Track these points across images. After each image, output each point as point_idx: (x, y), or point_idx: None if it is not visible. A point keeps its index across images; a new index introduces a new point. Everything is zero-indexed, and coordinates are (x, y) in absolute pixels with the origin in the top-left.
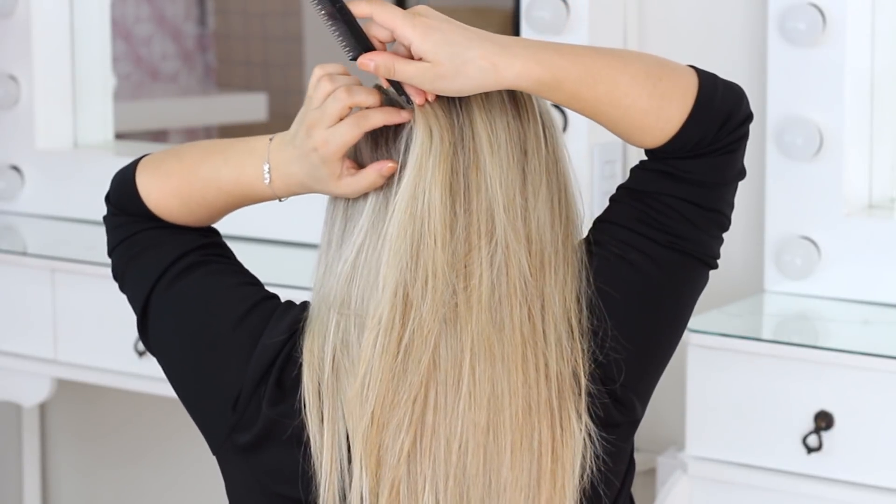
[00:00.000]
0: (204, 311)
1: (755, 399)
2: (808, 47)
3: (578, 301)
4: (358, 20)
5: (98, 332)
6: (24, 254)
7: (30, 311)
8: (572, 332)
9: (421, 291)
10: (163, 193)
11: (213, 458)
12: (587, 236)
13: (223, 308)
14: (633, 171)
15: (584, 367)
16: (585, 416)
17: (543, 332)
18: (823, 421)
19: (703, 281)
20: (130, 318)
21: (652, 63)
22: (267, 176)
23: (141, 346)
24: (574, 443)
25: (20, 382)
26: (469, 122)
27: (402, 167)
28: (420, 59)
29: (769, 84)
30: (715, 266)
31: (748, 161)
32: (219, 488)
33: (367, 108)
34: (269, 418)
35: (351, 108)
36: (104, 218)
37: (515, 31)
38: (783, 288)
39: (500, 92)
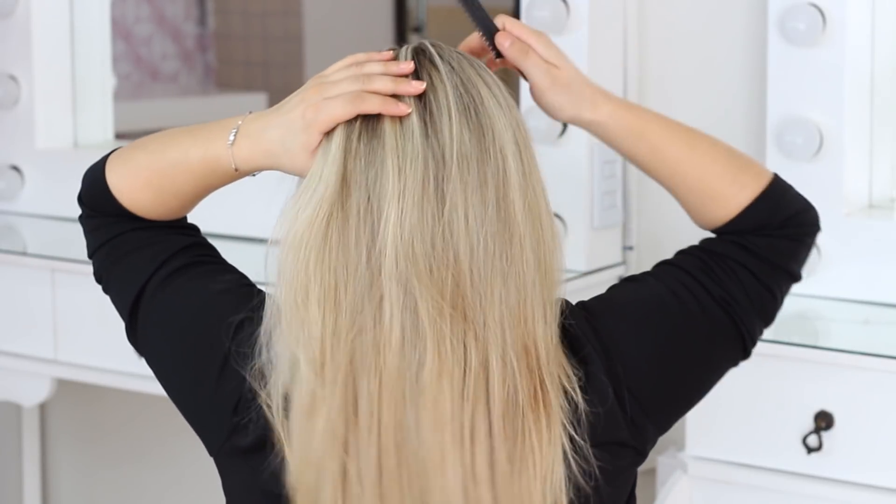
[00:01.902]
0: (196, 318)
1: (755, 399)
2: (808, 47)
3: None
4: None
5: (98, 332)
6: (24, 254)
7: (30, 311)
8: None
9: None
10: (134, 188)
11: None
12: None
13: (217, 314)
14: (704, 239)
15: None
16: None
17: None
18: (823, 421)
19: (734, 358)
20: None
21: (731, 147)
22: (231, 137)
23: None
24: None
25: (20, 382)
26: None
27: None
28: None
29: (769, 84)
30: (748, 354)
31: None
32: (219, 489)
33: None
34: (268, 420)
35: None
36: (80, 219)
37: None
38: None
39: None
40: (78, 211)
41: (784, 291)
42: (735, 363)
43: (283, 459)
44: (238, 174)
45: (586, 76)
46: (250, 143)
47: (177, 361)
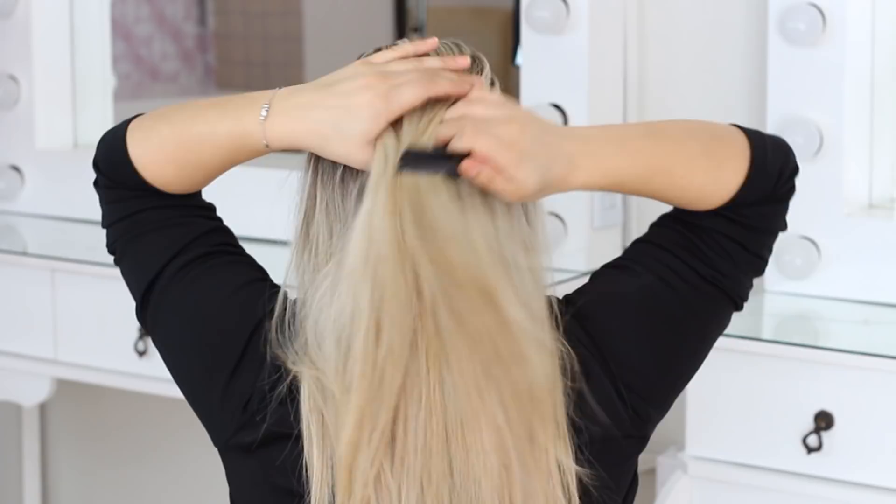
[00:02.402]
0: (212, 314)
1: (755, 399)
2: (808, 47)
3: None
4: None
5: (98, 332)
6: (24, 254)
7: (30, 311)
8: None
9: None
10: (158, 163)
11: (213, 457)
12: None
13: (233, 310)
14: (679, 209)
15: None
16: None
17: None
18: (823, 421)
19: (727, 320)
20: (131, 318)
21: (704, 136)
22: (264, 113)
23: (141, 346)
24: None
25: (20, 382)
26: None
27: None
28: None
29: (769, 84)
30: (740, 308)
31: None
32: (218, 488)
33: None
34: (279, 417)
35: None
36: (95, 185)
37: (515, 31)
38: (783, 288)
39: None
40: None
41: (772, 248)
42: (726, 326)
43: (297, 454)
44: (268, 150)
45: (551, 150)
46: (290, 121)
47: (189, 353)
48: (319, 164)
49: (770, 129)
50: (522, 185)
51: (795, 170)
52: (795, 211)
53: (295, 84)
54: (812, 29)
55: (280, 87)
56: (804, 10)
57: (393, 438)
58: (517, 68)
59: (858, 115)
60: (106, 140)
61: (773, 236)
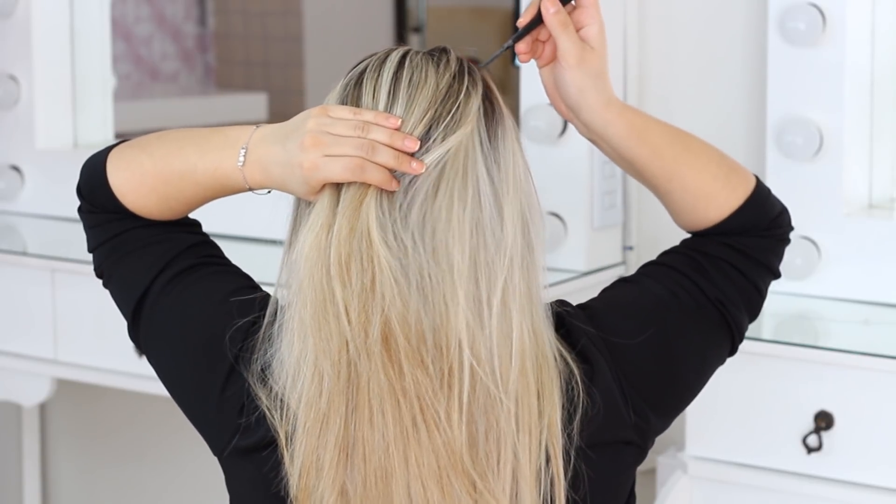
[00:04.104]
0: (201, 327)
1: (755, 399)
2: (808, 47)
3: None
4: None
5: (98, 332)
6: (24, 254)
7: (30, 311)
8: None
9: None
10: (139, 194)
11: (213, 457)
12: (634, 274)
13: (221, 322)
14: (688, 240)
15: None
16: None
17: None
18: (823, 421)
19: (724, 356)
20: None
21: (719, 153)
22: (241, 159)
23: None
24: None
25: (20, 382)
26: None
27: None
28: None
29: (769, 84)
30: (735, 351)
31: (748, 161)
32: (219, 488)
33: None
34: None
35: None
36: (79, 211)
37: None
38: (783, 288)
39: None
40: (77, 203)
41: (767, 288)
42: (723, 361)
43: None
44: (252, 191)
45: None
46: (259, 173)
47: (181, 366)
48: None
49: (770, 129)
50: (597, 43)
51: (791, 225)
52: (795, 211)
53: (295, 84)
54: (812, 29)
55: (258, 126)
56: (804, 10)
57: (350, 462)
58: (517, 68)
59: (858, 115)
60: (87, 167)
61: (769, 274)
